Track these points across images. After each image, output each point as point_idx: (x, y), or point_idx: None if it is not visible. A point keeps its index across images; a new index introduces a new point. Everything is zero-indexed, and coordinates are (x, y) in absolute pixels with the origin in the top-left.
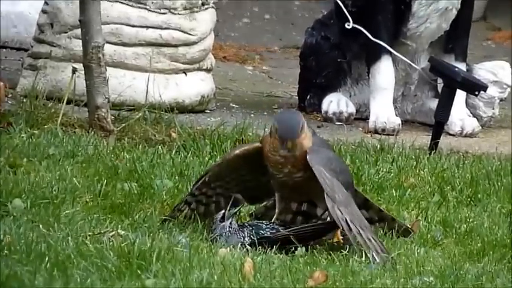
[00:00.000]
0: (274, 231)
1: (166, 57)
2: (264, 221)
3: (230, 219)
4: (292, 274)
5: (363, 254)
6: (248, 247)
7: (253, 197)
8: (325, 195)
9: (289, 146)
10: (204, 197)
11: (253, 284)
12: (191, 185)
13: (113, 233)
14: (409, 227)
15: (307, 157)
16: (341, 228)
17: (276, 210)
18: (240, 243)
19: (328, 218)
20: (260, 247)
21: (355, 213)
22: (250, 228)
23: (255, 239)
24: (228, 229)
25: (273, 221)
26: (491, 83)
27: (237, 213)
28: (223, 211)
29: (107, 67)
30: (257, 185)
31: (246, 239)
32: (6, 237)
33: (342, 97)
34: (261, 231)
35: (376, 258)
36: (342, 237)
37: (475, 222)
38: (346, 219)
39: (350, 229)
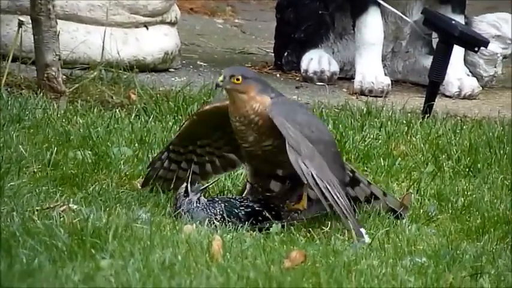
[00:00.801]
0: (249, 209)
1: (125, 8)
2: (236, 197)
3: (198, 194)
4: (266, 254)
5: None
6: (217, 223)
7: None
8: (287, 146)
9: (219, 79)
10: (194, 155)
11: (222, 265)
12: (153, 153)
13: (64, 207)
14: (405, 204)
15: (267, 109)
16: (306, 182)
17: (248, 184)
18: (207, 219)
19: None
20: (230, 223)
21: (321, 168)
22: (222, 204)
23: (228, 218)
24: (195, 205)
25: (245, 195)
26: (493, 37)
27: (207, 188)
28: (185, 184)
29: (58, 20)
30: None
31: (218, 217)
32: None
33: (324, 54)
34: (234, 210)
35: (343, 219)
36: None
37: (473, 196)
38: (311, 174)
39: (316, 183)
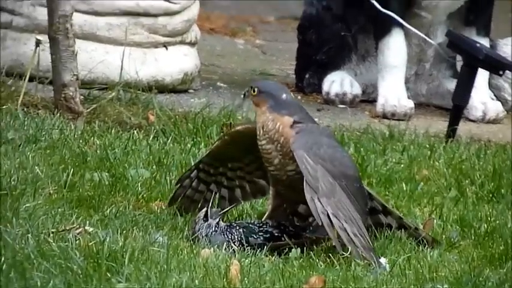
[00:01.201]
0: (268, 235)
1: (144, 28)
2: (255, 221)
3: (218, 219)
4: (285, 279)
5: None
6: (235, 247)
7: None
8: (305, 183)
9: (246, 89)
10: (224, 178)
11: None
12: (171, 175)
13: (80, 229)
14: (436, 239)
15: (290, 140)
16: (320, 223)
17: (269, 207)
18: (225, 243)
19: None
20: (249, 248)
21: (341, 205)
22: (240, 230)
23: (246, 244)
24: (214, 229)
25: (264, 219)
26: None
27: (227, 213)
28: (205, 208)
29: (76, 39)
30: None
31: (236, 243)
32: None
33: (346, 76)
34: (253, 235)
35: (356, 256)
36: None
37: (497, 222)
38: (327, 213)
39: (331, 223)
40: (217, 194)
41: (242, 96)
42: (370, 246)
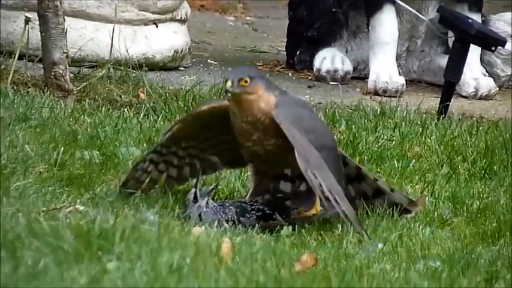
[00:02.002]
0: (260, 213)
1: (134, 5)
2: (246, 200)
3: (206, 198)
4: (276, 257)
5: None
6: (226, 225)
7: (233, 160)
8: (297, 155)
9: (228, 85)
10: (175, 157)
11: (232, 268)
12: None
13: (71, 208)
14: (412, 199)
15: (273, 113)
16: (317, 194)
17: (251, 184)
18: (216, 221)
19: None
20: (240, 225)
21: (329, 178)
22: (234, 209)
23: (241, 224)
24: (205, 209)
25: (248, 197)
26: (511, 36)
27: (213, 190)
28: (193, 189)
29: (66, 17)
30: (236, 147)
31: (229, 223)
32: None
33: (337, 53)
34: (246, 214)
35: (357, 229)
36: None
37: (489, 199)
38: (320, 184)
39: (326, 196)
40: (200, 173)
41: (226, 93)
42: (357, 219)
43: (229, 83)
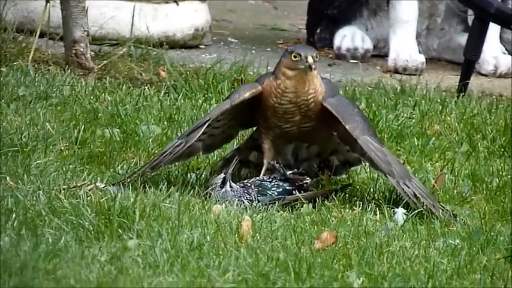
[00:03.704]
0: (281, 189)
1: None
2: (264, 177)
3: (228, 182)
4: (296, 235)
5: (378, 211)
6: (246, 203)
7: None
8: (382, 172)
9: (311, 60)
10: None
11: (252, 246)
12: (182, 131)
13: (91, 186)
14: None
15: (347, 126)
16: (412, 203)
17: (265, 161)
18: (236, 200)
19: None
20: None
21: (416, 184)
22: (256, 188)
23: (266, 201)
24: (231, 193)
25: (263, 174)
26: None
27: (232, 171)
28: (222, 175)
29: None
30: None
31: (254, 203)
32: None
33: (357, 31)
34: (268, 192)
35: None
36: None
37: (508, 176)
38: (414, 193)
39: (422, 203)
40: (237, 160)
41: (310, 68)
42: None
43: (311, 59)
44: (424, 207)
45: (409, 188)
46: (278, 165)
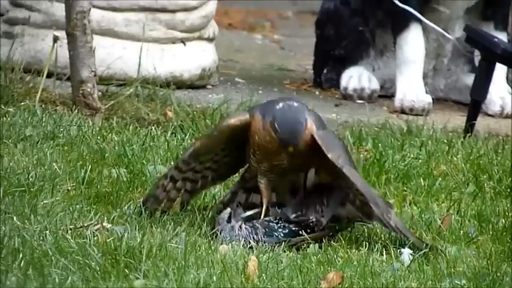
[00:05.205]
0: (286, 230)
1: (162, 24)
2: (271, 218)
3: (240, 222)
4: (302, 275)
5: (384, 252)
6: (253, 244)
7: (229, 171)
8: (370, 203)
9: (291, 151)
10: (192, 172)
11: (258, 286)
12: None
13: (98, 226)
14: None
15: (329, 155)
16: (398, 235)
17: (264, 200)
18: (243, 240)
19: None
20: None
21: (395, 217)
22: (263, 229)
23: (273, 243)
24: (237, 232)
25: (263, 213)
26: None
27: (250, 215)
28: (229, 210)
29: (94, 35)
30: (235, 157)
31: (260, 243)
32: None
33: (364, 71)
34: (275, 233)
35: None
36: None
37: None
38: (396, 225)
39: (404, 235)
40: (239, 195)
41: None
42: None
43: (291, 149)
44: (405, 238)
45: (390, 219)
46: (280, 210)
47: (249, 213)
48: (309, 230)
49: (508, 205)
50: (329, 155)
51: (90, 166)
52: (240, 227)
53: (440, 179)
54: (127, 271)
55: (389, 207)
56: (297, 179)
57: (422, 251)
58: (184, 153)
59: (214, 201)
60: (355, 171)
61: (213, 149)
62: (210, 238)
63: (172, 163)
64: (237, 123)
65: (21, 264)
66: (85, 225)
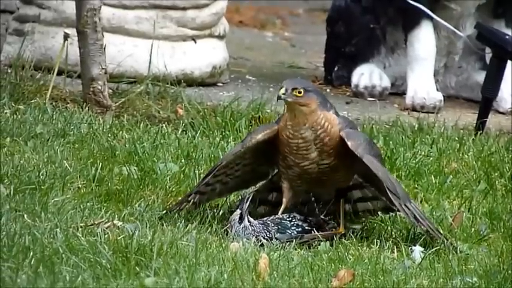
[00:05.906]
0: (300, 229)
1: (173, 21)
2: (284, 216)
3: (246, 218)
4: (314, 273)
5: (395, 249)
6: (264, 241)
7: (245, 181)
8: (387, 189)
9: (281, 91)
10: (217, 182)
11: (269, 284)
12: (200, 169)
13: (109, 224)
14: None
15: (349, 143)
16: (414, 224)
17: (284, 200)
18: (254, 237)
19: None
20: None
21: (415, 207)
22: (275, 226)
23: (285, 240)
24: (250, 229)
25: (281, 212)
26: None
27: (249, 208)
28: (238, 211)
29: (104, 33)
30: (253, 169)
31: (273, 240)
32: None
33: (375, 69)
34: (287, 231)
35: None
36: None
37: None
38: (414, 214)
39: (420, 223)
40: (251, 195)
41: (277, 98)
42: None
43: (282, 90)
44: (424, 229)
45: (409, 210)
46: (314, 204)
47: (247, 205)
48: (320, 229)
49: None
50: (349, 143)
51: (100, 164)
52: (250, 222)
53: (451, 176)
54: (138, 269)
55: (408, 198)
56: (321, 192)
57: (434, 249)
58: (212, 170)
59: (225, 199)
60: (376, 161)
61: (240, 161)
62: (221, 236)
63: (183, 161)
64: (265, 138)
65: (32, 262)
66: (96, 223)
